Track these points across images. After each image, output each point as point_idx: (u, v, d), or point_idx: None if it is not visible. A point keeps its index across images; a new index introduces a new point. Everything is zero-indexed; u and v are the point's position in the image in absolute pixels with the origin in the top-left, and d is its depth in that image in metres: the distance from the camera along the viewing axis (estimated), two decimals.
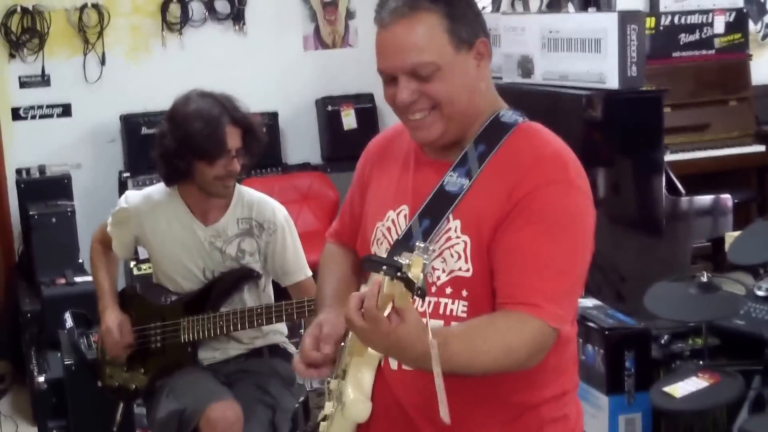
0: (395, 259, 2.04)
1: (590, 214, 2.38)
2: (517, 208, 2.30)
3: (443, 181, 2.41)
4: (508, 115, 2.47)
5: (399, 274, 2.03)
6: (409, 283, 2.03)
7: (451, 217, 2.38)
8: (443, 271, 2.38)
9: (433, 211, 2.40)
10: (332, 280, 2.70)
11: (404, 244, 2.40)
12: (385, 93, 2.43)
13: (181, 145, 3.96)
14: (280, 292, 4.28)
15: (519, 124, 2.44)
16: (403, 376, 2.41)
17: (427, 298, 2.33)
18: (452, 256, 2.37)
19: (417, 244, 2.09)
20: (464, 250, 2.35)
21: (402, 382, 2.41)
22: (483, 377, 2.33)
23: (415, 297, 2.06)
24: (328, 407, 2.51)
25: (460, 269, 2.36)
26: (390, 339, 2.14)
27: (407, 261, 2.03)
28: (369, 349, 2.36)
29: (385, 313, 2.13)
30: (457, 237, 2.36)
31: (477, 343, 2.23)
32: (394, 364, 2.42)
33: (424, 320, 2.14)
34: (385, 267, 2.05)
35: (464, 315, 2.36)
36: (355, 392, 2.42)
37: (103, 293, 4.24)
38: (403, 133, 2.58)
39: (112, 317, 4.17)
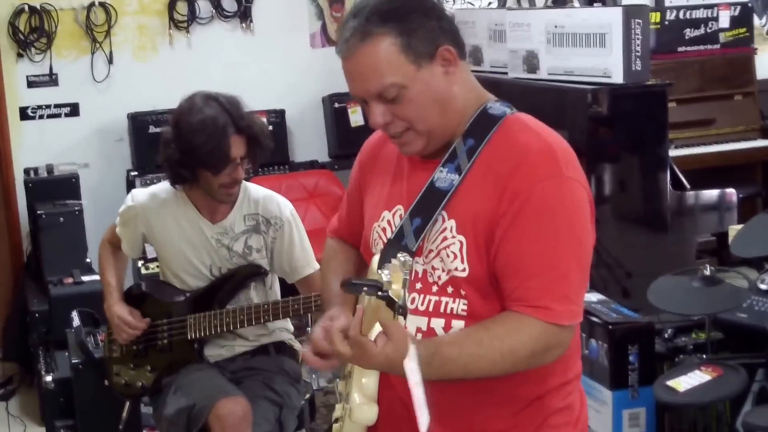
0: (374, 280, 2.08)
1: (586, 201, 2.39)
2: (513, 207, 2.31)
3: (433, 178, 2.43)
4: (496, 107, 2.47)
5: (380, 294, 2.06)
6: (390, 302, 2.07)
7: (445, 215, 2.40)
8: (443, 270, 2.40)
9: (424, 209, 2.42)
10: (338, 278, 2.68)
11: (396, 244, 2.43)
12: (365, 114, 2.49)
13: (185, 156, 3.96)
14: (287, 288, 4.30)
15: (507, 116, 2.45)
16: None
17: (428, 297, 2.38)
18: (449, 256, 2.38)
19: (398, 256, 2.13)
20: (460, 251, 2.37)
21: (406, 382, 2.41)
22: None
23: (396, 315, 2.11)
24: (339, 409, 2.56)
25: (456, 269, 2.38)
26: (380, 359, 2.21)
27: (387, 278, 2.05)
28: None
29: (374, 334, 2.20)
30: (453, 237, 2.38)
31: (472, 348, 2.28)
32: None
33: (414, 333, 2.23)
34: (365, 288, 2.08)
35: (464, 313, 2.39)
36: (361, 396, 2.44)
37: (111, 290, 4.25)
38: None
39: (121, 309, 4.19)
